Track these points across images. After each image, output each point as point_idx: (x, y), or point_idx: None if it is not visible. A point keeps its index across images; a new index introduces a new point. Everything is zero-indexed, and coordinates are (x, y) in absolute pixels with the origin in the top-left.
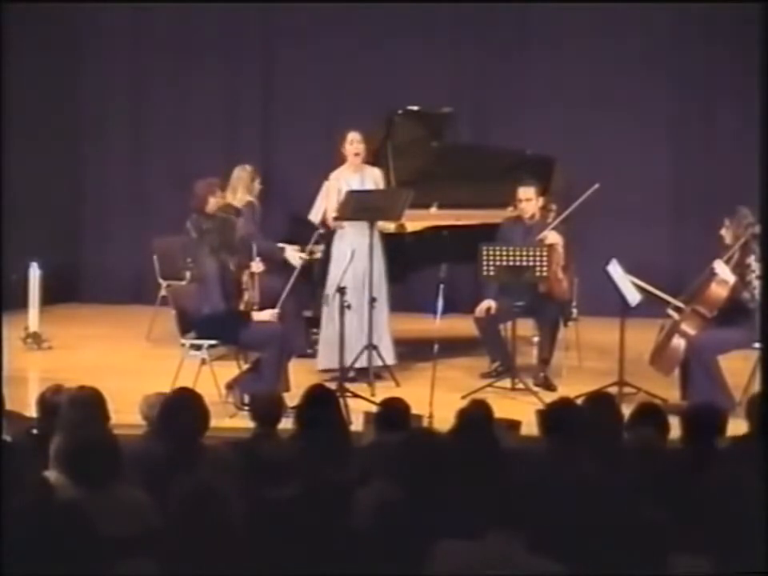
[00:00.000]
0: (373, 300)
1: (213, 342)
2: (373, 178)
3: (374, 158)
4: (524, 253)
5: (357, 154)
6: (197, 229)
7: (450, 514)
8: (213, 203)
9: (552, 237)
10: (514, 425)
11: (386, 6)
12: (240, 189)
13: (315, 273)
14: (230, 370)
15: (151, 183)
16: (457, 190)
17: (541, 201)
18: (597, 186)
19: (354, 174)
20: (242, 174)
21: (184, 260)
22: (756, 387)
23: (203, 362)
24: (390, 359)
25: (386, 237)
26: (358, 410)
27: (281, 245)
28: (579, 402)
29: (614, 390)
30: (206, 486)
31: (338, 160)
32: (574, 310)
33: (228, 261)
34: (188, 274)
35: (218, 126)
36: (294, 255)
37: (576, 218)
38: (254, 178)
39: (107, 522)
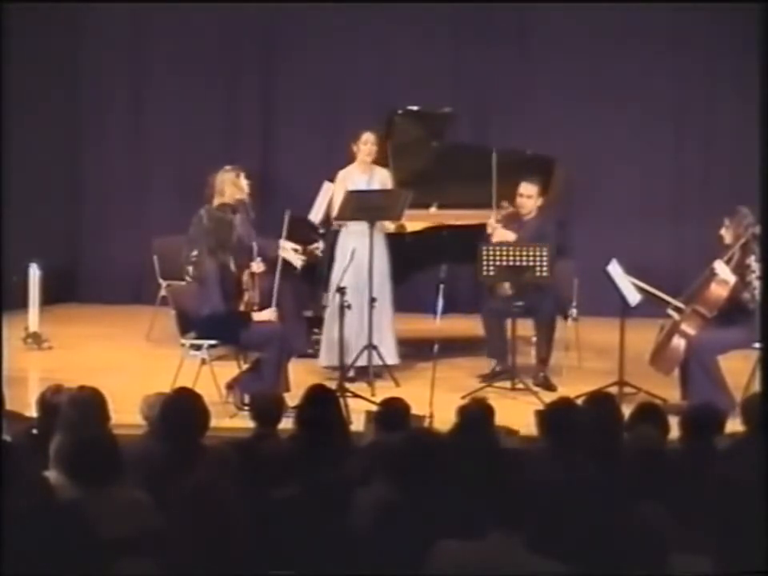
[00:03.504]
0: (373, 300)
1: (213, 342)
2: (381, 179)
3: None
4: (524, 253)
5: (368, 155)
6: (210, 219)
7: (449, 513)
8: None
9: (501, 234)
10: (511, 433)
11: (385, 6)
12: (226, 190)
13: (318, 272)
14: (230, 369)
15: (151, 183)
16: (457, 190)
17: (540, 200)
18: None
19: (363, 174)
20: (225, 176)
21: (188, 254)
22: (756, 387)
23: (203, 362)
24: (392, 360)
25: (386, 237)
26: (358, 410)
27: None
28: (579, 402)
29: (614, 389)
30: (206, 486)
31: (346, 158)
32: (574, 310)
33: (228, 261)
34: (190, 269)
35: (218, 126)
36: (292, 254)
37: (576, 218)
38: (238, 175)
39: (107, 522)
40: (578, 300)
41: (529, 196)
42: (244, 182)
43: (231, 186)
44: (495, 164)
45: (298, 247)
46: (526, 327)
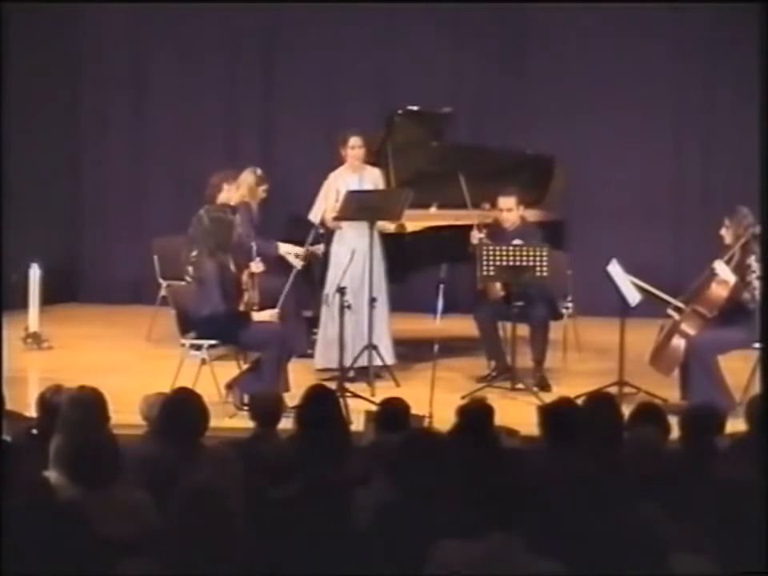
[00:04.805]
0: (373, 300)
1: (213, 341)
2: (372, 179)
3: (374, 157)
4: (524, 253)
5: (357, 159)
6: (209, 219)
7: (449, 513)
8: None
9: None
10: (511, 433)
11: (386, 6)
12: (242, 188)
13: (315, 273)
14: (230, 369)
15: (151, 183)
16: (457, 190)
17: (521, 209)
18: None
19: (353, 175)
20: (249, 176)
21: (188, 254)
22: (756, 387)
23: (203, 362)
24: (390, 359)
25: (386, 237)
26: (358, 410)
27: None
28: (579, 401)
29: (614, 389)
30: (206, 486)
31: (338, 160)
32: (570, 304)
33: (227, 261)
34: (190, 269)
35: (219, 126)
36: (292, 255)
37: (576, 218)
38: (259, 183)
39: (107, 522)
40: (577, 299)
41: (509, 209)
42: (261, 193)
43: (246, 187)
44: (464, 183)
45: (299, 251)
46: (525, 328)
